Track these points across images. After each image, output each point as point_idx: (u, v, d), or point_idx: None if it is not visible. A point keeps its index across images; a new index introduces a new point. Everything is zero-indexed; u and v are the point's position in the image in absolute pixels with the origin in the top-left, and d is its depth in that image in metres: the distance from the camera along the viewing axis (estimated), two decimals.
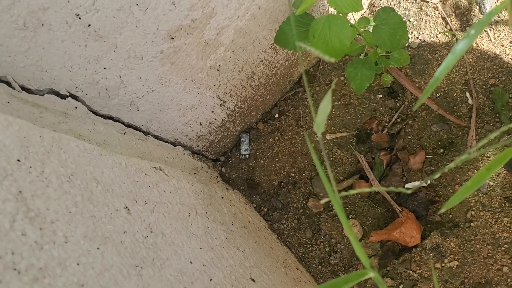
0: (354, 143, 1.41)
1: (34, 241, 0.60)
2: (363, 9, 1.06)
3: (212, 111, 1.37)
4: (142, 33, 1.03)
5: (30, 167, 0.72)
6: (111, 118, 1.15)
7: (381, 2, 1.47)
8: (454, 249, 1.22)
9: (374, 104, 1.41)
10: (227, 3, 1.12)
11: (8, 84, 0.93)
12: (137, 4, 0.97)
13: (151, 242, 0.83)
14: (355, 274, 0.56)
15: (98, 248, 0.70)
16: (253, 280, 1.01)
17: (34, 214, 0.65)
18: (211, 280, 0.88)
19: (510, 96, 1.28)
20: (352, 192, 0.57)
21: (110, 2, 0.93)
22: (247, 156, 1.52)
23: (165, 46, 1.10)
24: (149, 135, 1.26)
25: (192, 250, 0.92)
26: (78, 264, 0.64)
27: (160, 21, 1.04)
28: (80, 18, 0.93)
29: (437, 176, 0.64)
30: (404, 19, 1.28)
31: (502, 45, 1.31)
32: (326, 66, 1.49)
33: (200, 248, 0.95)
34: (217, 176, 1.47)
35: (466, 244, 1.22)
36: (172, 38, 1.09)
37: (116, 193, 0.86)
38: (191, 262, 0.88)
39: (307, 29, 1.11)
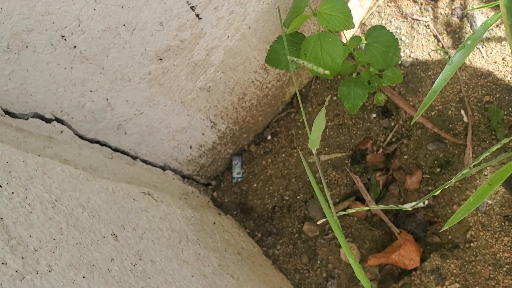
0: (349, 164, 1.39)
1: (15, 271, 0.56)
2: (354, 27, 1.05)
3: (203, 134, 1.34)
4: (129, 54, 1.01)
5: (13, 192, 0.69)
6: (97, 142, 1.11)
7: (372, 21, 1.47)
8: (454, 271, 1.19)
9: (368, 124, 1.39)
10: (216, 23, 1.11)
11: None
12: (124, 25, 0.95)
13: (140, 270, 0.79)
14: None
15: (84, 277, 0.66)
16: None
17: (15, 242, 0.61)
18: None
19: (505, 113, 1.26)
20: (349, 211, 0.54)
21: (96, 23, 0.91)
22: (239, 179, 1.48)
23: (153, 67, 1.07)
24: (138, 160, 1.23)
25: (184, 278, 0.88)
26: None
27: (148, 41, 1.02)
28: (65, 39, 0.91)
29: (437, 192, 0.61)
30: (396, 37, 1.27)
31: (495, 62, 1.30)
32: (318, 86, 1.48)
33: (192, 276, 0.91)
34: (208, 201, 1.43)
35: (466, 266, 1.19)
36: (161, 59, 1.07)
37: (103, 219, 0.82)
38: None
39: (298, 48, 1.10)
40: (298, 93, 0.57)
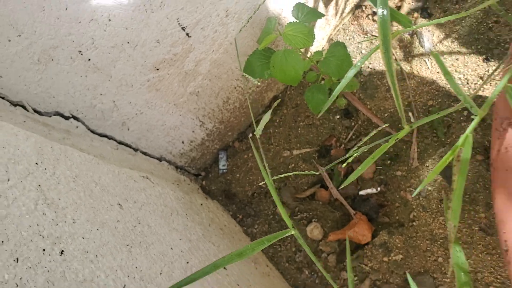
0: (316, 157, 1.63)
1: (52, 219, 0.81)
2: (312, 45, 1.29)
3: (193, 131, 1.59)
4: (132, 65, 1.26)
5: (45, 169, 0.93)
6: (106, 136, 1.36)
7: (338, 37, 1.72)
8: (399, 245, 1.43)
9: (333, 124, 1.64)
10: (203, 40, 1.35)
11: (24, 107, 1.14)
12: (128, 42, 1.20)
13: (139, 230, 1.04)
14: (278, 233, 0.77)
15: (97, 230, 0.91)
16: (224, 268, 1.21)
17: (50, 202, 0.86)
18: (187, 262, 1.08)
19: (444, 115, 1.51)
20: (282, 175, 0.78)
21: (106, 41, 1.16)
22: (224, 171, 1.73)
23: (151, 75, 1.32)
24: (138, 151, 1.47)
25: (173, 240, 1.13)
26: (83, 238, 0.85)
27: (147, 55, 1.26)
28: (82, 54, 1.15)
29: (348, 160, 0.85)
30: (355, 51, 1.52)
31: (438, 72, 1.55)
32: (292, 92, 1.73)
33: (180, 239, 1.16)
34: (198, 188, 1.68)
35: (409, 240, 1.43)
36: (157, 69, 1.32)
37: (111, 193, 1.07)
38: (171, 248, 1.08)
39: (269, 61, 1.34)
40: (250, 107, 0.82)
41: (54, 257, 0.74)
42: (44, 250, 0.74)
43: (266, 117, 0.83)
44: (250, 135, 1.74)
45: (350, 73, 0.81)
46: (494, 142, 0.76)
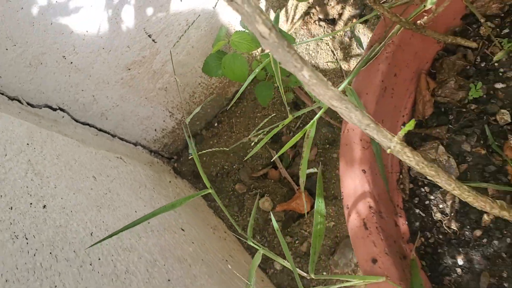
0: (269, 143, 1.92)
1: (38, 184, 1.10)
2: (255, 50, 1.57)
3: (164, 121, 1.88)
4: (107, 66, 1.54)
5: (34, 148, 1.22)
6: (87, 124, 1.64)
7: None
8: (332, 214, 1.72)
9: (284, 115, 1.92)
10: (168, 45, 1.63)
11: (19, 101, 1.43)
12: (103, 48, 1.48)
13: (109, 197, 1.33)
14: (199, 192, 1.06)
15: (74, 194, 1.20)
16: (182, 229, 1.50)
17: (37, 172, 1.15)
18: (148, 223, 1.38)
19: None
20: (204, 151, 1.06)
21: (85, 47, 1.44)
22: None
23: (124, 74, 1.60)
24: (116, 137, 1.76)
25: (138, 206, 1.42)
26: (62, 198, 1.14)
27: (120, 58, 1.54)
28: (65, 58, 1.43)
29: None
30: (304, 52, 1.80)
31: None
32: (252, 87, 2.01)
33: (144, 206, 1.45)
34: (170, 169, 1.97)
35: (340, 210, 1.72)
36: (129, 69, 1.60)
37: (87, 168, 1.36)
38: (135, 211, 1.38)
39: (221, 62, 1.63)
40: (185, 126, 1.12)
41: (38, 209, 1.03)
42: (31, 204, 1.03)
43: (196, 110, 1.12)
44: (216, 124, 2.02)
45: (251, 77, 1.10)
46: (343, 125, 1.05)
